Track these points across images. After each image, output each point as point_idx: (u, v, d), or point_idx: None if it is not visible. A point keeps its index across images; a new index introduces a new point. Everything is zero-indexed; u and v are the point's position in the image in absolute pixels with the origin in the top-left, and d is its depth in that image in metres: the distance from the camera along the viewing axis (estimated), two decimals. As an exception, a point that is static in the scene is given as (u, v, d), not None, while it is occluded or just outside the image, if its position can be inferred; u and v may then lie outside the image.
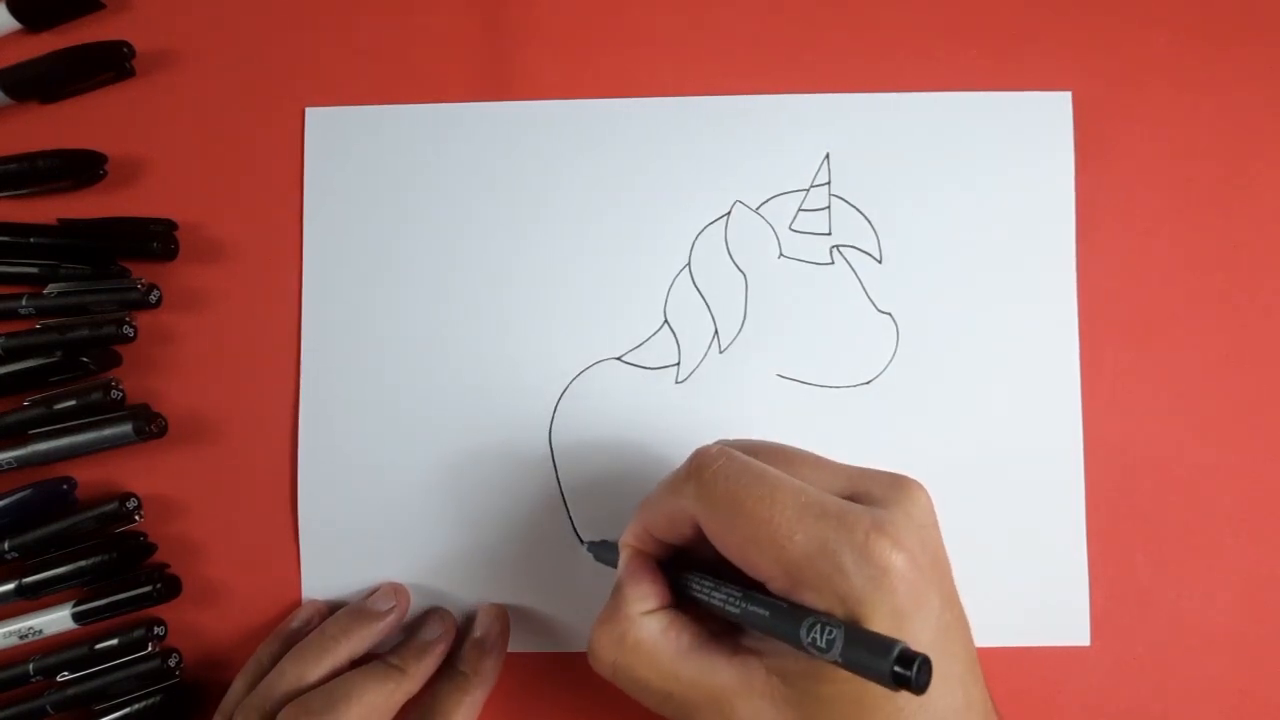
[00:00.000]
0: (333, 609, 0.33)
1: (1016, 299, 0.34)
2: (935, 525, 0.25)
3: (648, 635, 0.25)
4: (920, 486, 0.25)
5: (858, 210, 0.34)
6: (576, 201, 0.35)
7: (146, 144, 0.36)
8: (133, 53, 0.35)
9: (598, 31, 0.35)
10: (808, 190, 0.34)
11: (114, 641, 0.33)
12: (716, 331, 0.34)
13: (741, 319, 0.34)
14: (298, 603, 0.34)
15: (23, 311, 0.34)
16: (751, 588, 0.24)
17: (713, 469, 0.24)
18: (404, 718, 0.30)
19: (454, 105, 0.35)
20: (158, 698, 0.32)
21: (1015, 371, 0.34)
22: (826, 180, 0.34)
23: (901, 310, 0.34)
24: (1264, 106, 0.34)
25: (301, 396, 0.34)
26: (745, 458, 0.25)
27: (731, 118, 0.35)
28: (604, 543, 0.31)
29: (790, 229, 0.34)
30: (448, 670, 0.32)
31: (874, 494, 0.24)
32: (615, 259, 0.34)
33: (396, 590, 0.33)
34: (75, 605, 0.33)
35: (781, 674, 0.24)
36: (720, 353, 0.34)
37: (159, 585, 0.33)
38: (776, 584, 0.23)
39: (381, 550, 0.34)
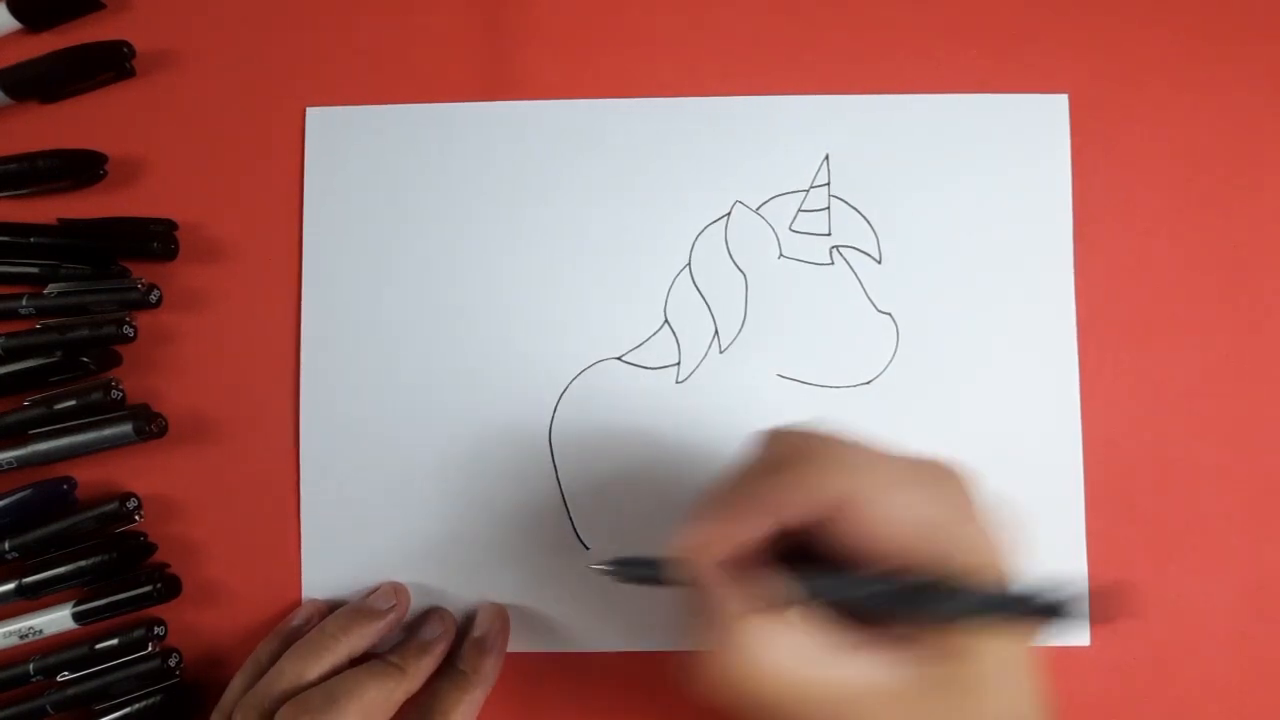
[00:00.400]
0: (333, 608, 0.33)
1: (1015, 299, 0.34)
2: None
3: (783, 641, 0.22)
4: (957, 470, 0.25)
5: (857, 211, 0.34)
6: (576, 201, 0.35)
7: (146, 144, 0.36)
8: (133, 53, 0.35)
9: (598, 31, 0.35)
10: (807, 191, 0.34)
11: (114, 641, 0.33)
12: (716, 331, 0.34)
13: (741, 319, 0.34)
14: (298, 602, 0.34)
15: (23, 311, 0.34)
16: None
17: (822, 444, 0.24)
18: (403, 716, 0.30)
19: (454, 105, 0.35)
20: (158, 698, 0.32)
21: (1014, 372, 0.34)
22: (826, 181, 0.34)
23: (901, 310, 0.34)
24: (1262, 107, 0.34)
25: (301, 396, 0.34)
26: (829, 437, 0.24)
27: (731, 118, 0.35)
28: (626, 560, 0.27)
29: (790, 229, 0.34)
30: (447, 669, 0.32)
31: (929, 480, 0.24)
32: (615, 259, 0.34)
33: (397, 589, 0.33)
34: (75, 605, 0.33)
35: (922, 660, 0.22)
36: (720, 353, 0.34)
37: (159, 585, 0.33)
38: (891, 560, 0.22)
39: (381, 550, 0.34)
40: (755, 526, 0.23)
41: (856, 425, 0.33)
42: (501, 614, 0.33)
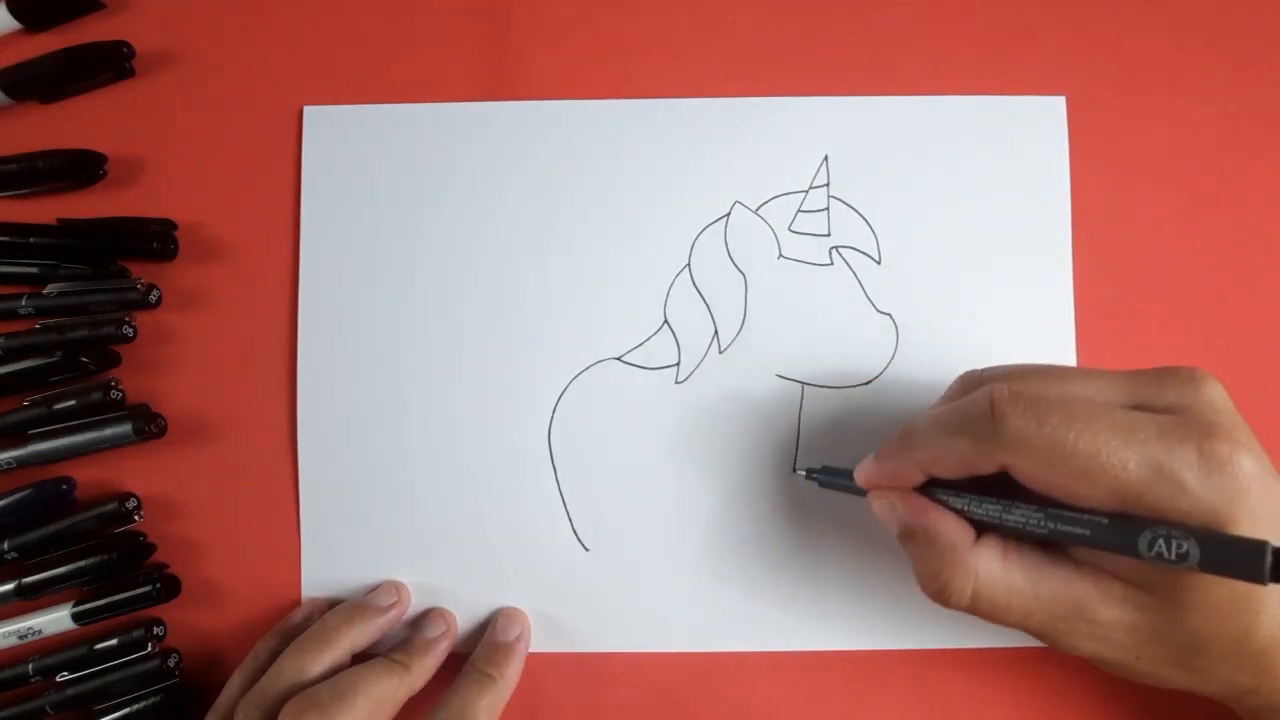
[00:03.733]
0: (333, 607, 0.33)
1: (1014, 300, 0.34)
2: (1234, 407, 0.24)
3: (994, 565, 0.25)
4: (1205, 375, 0.25)
5: (856, 212, 0.34)
6: (576, 202, 0.35)
7: (146, 144, 0.36)
8: (133, 53, 0.35)
9: (598, 31, 0.35)
10: (807, 192, 0.34)
11: (114, 641, 0.33)
12: (716, 332, 0.34)
13: (741, 319, 0.34)
14: (297, 602, 0.34)
15: (22, 311, 0.34)
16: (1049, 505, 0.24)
17: (1020, 414, 0.24)
18: (429, 718, 0.30)
19: (454, 105, 0.35)
20: (157, 698, 0.32)
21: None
22: (825, 182, 0.34)
23: (901, 311, 0.34)
24: (1260, 109, 0.35)
25: (300, 396, 0.34)
26: (1041, 395, 0.24)
27: (731, 119, 0.35)
28: (829, 469, 0.31)
29: (790, 230, 0.34)
30: (472, 673, 0.31)
31: (1166, 396, 0.24)
32: (615, 259, 0.34)
33: (398, 587, 0.33)
34: (75, 605, 0.33)
35: (1140, 582, 0.24)
36: (720, 353, 0.34)
37: (159, 585, 0.33)
38: (1105, 507, 0.23)
39: (380, 549, 0.34)
40: (933, 468, 0.26)
41: (856, 425, 0.34)
42: (522, 618, 0.33)
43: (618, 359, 0.34)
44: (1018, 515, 0.25)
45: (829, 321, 0.34)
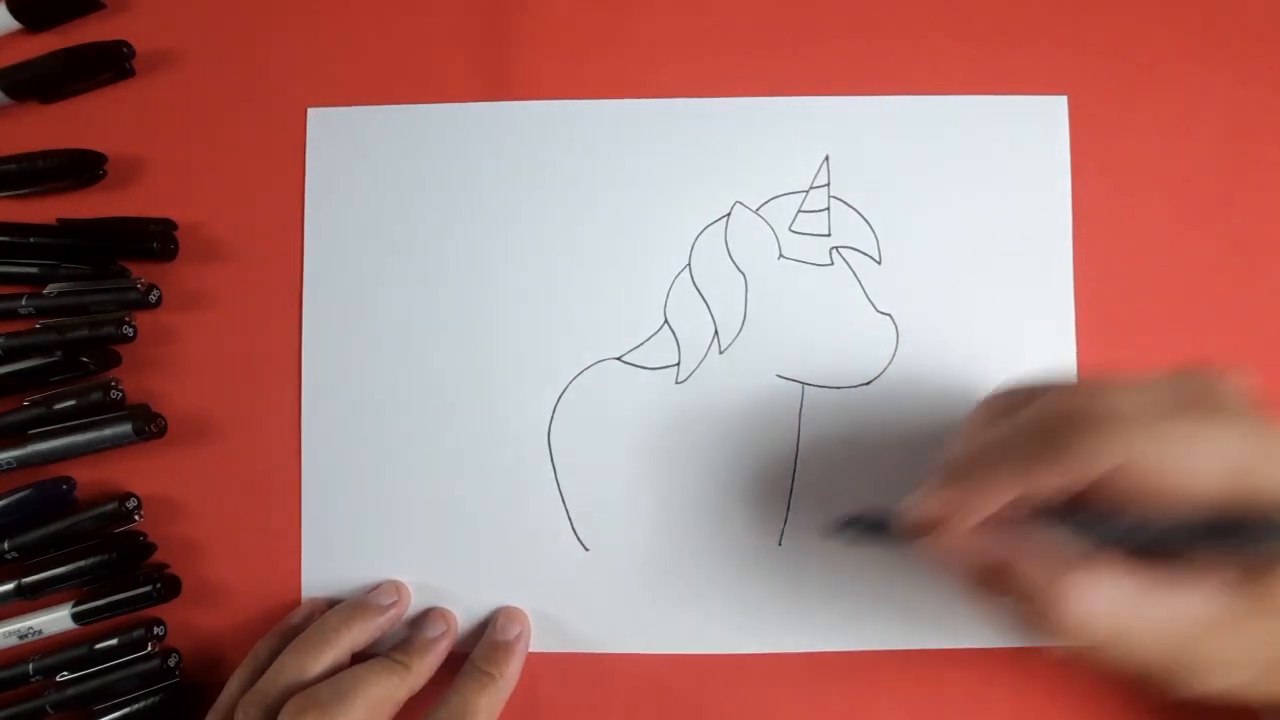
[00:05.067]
0: (333, 607, 0.33)
1: (1014, 300, 0.34)
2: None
3: (1117, 586, 0.22)
4: (1216, 371, 0.24)
5: (857, 212, 0.34)
6: (577, 202, 0.35)
7: (146, 144, 0.36)
8: (133, 53, 0.35)
9: (598, 31, 0.35)
10: (807, 192, 0.34)
11: (114, 641, 0.33)
12: (716, 332, 0.34)
13: (741, 319, 0.34)
14: (297, 602, 0.34)
15: (23, 311, 0.34)
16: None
17: (1132, 406, 0.23)
18: (429, 717, 0.30)
19: (454, 105, 0.35)
20: (157, 698, 0.32)
21: (1014, 372, 0.34)
22: (826, 182, 0.34)
23: (901, 311, 0.34)
24: (1260, 109, 0.34)
25: (302, 396, 0.34)
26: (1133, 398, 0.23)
27: (731, 119, 0.35)
28: (857, 519, 0.27)
29: (790, 230, 0.34)
30: (472, 672, 0.31)
31: (1199, 395, 0.24)
32: (615, 259, 0.34)
33: (398, 587, 0.33)
34: (75, 605, 0.33)
35: (1237, 586, 0.22)
36: (720, 353, 0.34)
37: (159, 585, 0.33)
38: (1210, 499, 0.22)
39: (381, 549, 0.34)
40: (1010, 496, 0.23)
41: (856, 425, 0.34)
42: (522, 617, 0.33)
43: (618, 359, 0.34)
44: (1112, 529, 0.23)
45: (829, 322, 0.34)
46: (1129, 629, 0.22)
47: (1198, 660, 0.23)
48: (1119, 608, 0.22)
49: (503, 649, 0.32)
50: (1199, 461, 0.22)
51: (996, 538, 0.24)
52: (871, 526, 0.27)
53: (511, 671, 0.32)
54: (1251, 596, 0.22)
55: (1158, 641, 0.22)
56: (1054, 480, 0.23)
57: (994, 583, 0.24)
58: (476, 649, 0.32)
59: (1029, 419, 0.24)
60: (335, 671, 0.30)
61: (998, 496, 0.24)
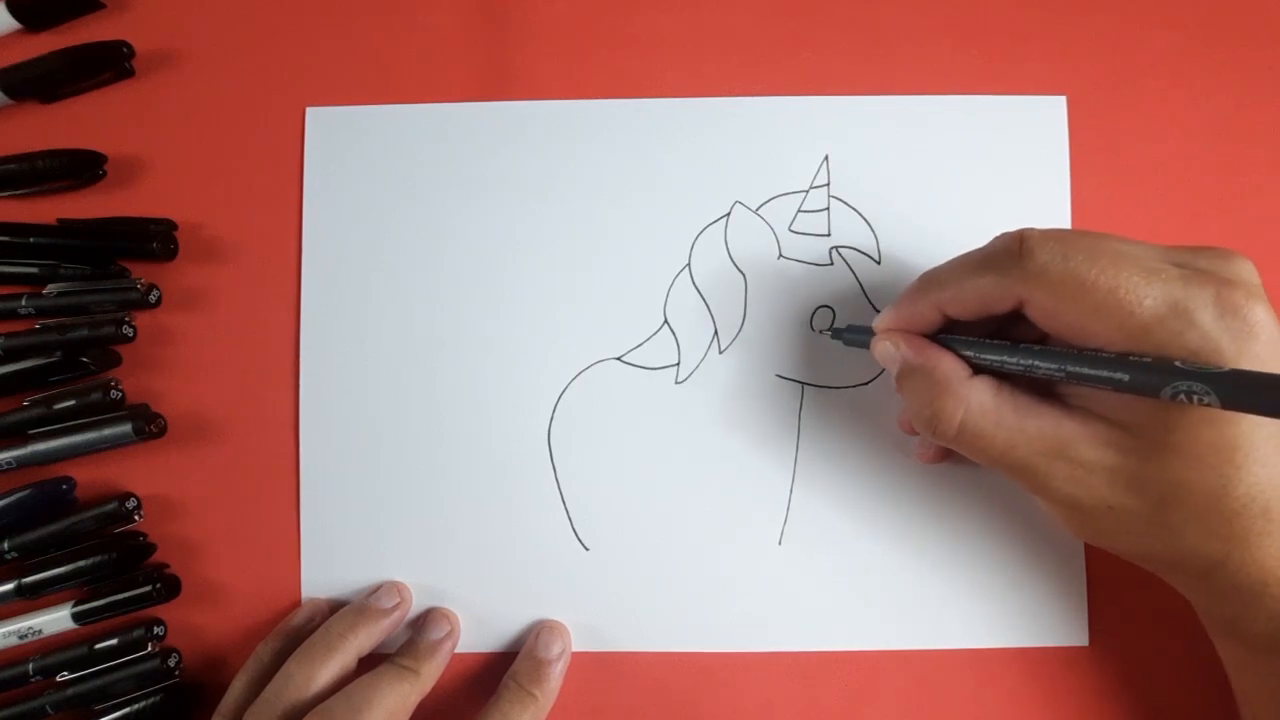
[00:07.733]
0: (333, 608, 0.33)
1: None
2: (1261, 284, 0.25)
3: (986, 397, 0.26)
4: (1240, 254, 0.25)
5: (856, 212, 0.34)
6: (576, 202, 0.35)
7: (146, 144, 0.36)
8: (133, 53, 0.35)
9: (598, 31, 0.35)
10: (807, 192, 0.34)
11: (114, 641, 0.33)
12: (716, 332, 0.34)
13: (741, 319, 0.34)
14: (298, 602, 0.34)
15: (22, 311, 0.34)
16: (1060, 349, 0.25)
17: (1048, 249, 0.25)
18: None
19: (454, 105, 0.35)
20: (157, 698, 0.32)
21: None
22: (826, 182, 0.34)
23: (901, 311, 0.34)
24: (1260, 110, 0.35)
25: (301, 396, 0.34)
26: (1074, 236, 0.25)
27: (731, 119, 0.35)
28: (853, 327, 0.32)
29: (790, 230, 0.34)
30: (513, 687, 0.31)
31: (1198, 263, 0.24)
32: (615, 259, 0.34)
33: (399, 588, 0.33)
34: (75, 605, 0.33)
35: (1126, 425, 0.25)
36: (720, 353, 0.34)
37: (159, 585, 0.33)
38: (1115, 347, 0.24)
39: (381, 549, 0.34)
40: (929, 312, 0.28)
41: (856, 425, 0.34)
42: (564, 631, 0.33)
43: (618, 359, 0.34)
44: (1025, 357, 0.25)
45: (829, 321, 0.34)
46: (987, 435, 0.26)
47: (1038, 475, 0.26)
48: (982, 418, 0.26)
49: (545, 666, 0.32)
50: (1089, 318, 0.24)
51: (919, 347, 0.28)
52: (858, 332, 0.31)
53: (552, 689, 0.32)
54: (1132, 432, 0.25)
55: (1006, 453, 0.26)
56: (986, 294, 0.26)
57: (905, 383, 0.28)
58: (517, 663, 0.32)
59: (996, 238, 0.27)
60: (342, 679, 0.30)
61: (940, 307, 0.28)
